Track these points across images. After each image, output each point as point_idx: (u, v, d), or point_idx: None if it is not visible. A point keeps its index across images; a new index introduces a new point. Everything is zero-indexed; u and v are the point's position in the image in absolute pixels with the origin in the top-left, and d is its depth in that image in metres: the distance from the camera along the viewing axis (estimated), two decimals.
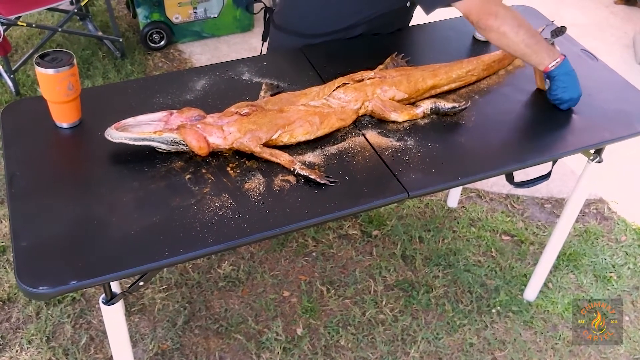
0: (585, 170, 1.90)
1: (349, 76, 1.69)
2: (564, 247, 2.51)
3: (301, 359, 2.11)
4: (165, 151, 1.48)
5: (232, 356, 2.10)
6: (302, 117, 1.54)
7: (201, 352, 2.10)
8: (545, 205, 2.79)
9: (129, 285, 1.36)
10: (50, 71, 1.44)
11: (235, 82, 1.78)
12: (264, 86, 1.74)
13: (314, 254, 2.48)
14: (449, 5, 1.65)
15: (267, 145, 1.51)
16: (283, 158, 1.49)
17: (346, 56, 1.87)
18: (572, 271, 2.49)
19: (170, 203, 1.37)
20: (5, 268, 2.31)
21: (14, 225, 1.30)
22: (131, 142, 1.43)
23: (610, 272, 2.50)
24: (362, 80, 1.67)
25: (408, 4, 1.94)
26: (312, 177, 1.45)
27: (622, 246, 2.62)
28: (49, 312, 2.18)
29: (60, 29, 3.24)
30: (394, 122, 1.66)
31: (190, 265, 2.38)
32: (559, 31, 1.78)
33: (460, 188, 2.70)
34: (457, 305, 2.32)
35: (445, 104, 1.69)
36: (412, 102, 1.72)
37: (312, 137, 1.56)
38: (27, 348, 2.07)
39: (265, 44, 2.13)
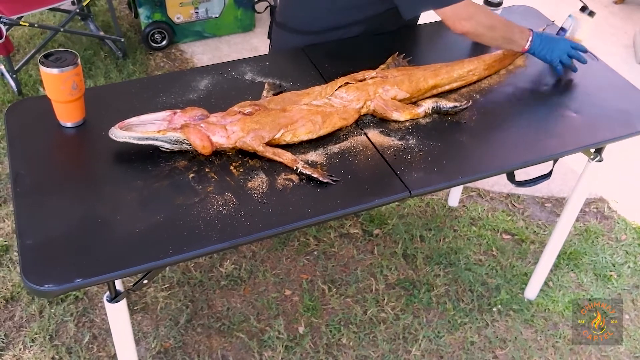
0: (585, 169, 1.91)
1: (351, 76, 1.70)
2: (565, 246, 2.52)
3: (303, 357, 2.12)
4: (168, 150, 1.49)
5: (234, 354, 2.11)
6: (305, 117, 1.55)
7: (203, 350, 2.11)
8: (546, 205, 2.80)
9: (132, 284, 1.37)
10: (55, 71, 1.45)
11: (238, 81, 1.78)
12: (266, 86, 1.75)
13: (315, 252, 2.49)
14: (426, 10, 1.77)
15: (270, 144, 1.52)
16: (286, 157, 1.49)
17: (348, 56, 1.88)
18: (572, 270, 2.50)
19: (174, 202, 1.38)
20: (8, 267, 2.32)
21: (19, 223, 1.31)
22: (135, 142, 1.44)
23: (611, 271, 2.51)
24: (364, 79, 1.68)
25: None
26: (315, 176, 1.46)
27: (622, 245, 2.63)
28: (52, 310, 2.19)
29: (62, 29, 3.25)
30: (395, 121, 1.67)
31: (193, 264, 2.39)
32: (589, 11, 1.88)
33: (461, 187, 2.71)
34: (458, 304, 2.33)
35: (446, 104, 1.70)
36: (414, 102, 1.73)
37: (314, 136, 1.57)
38: (31, 346, 2.08)
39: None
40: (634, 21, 4.21)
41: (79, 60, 1.49)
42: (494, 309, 2.32)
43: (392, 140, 1.61)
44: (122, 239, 1.29)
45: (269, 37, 2.15)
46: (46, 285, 1.18)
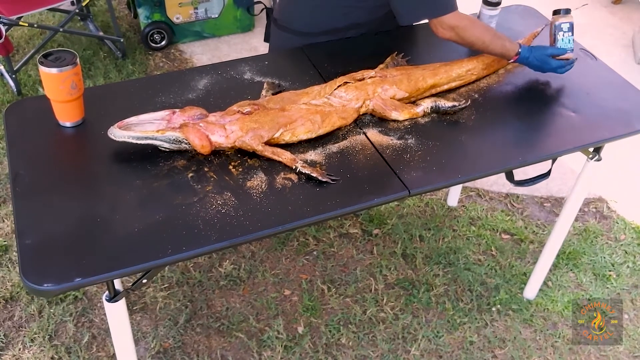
0: (584, 169, 1.91)
1: (350, 75, 1.70)
2: (564, 246, 2.52)
3: (302, 357, 2.12)
4: (167, 150, 1.49)
5: (234, 354, 2.11)
6: (304, 116, 1.56)
7: (203, 350, 2.11)
8: (545, 204, 2.80)
9: (131, 283, 1.37)
10: (54, 70, 1.45)
11: (237, 81, 1.79)
12: (265, 85, 1.75)
13: (314, 252, 2.49)
14: (422, 19, 1.80)
15: (269, 143, 1.52)
16: (285, 156, 1.50)
17: (347, 55, 1.88)
18: (571, 270, 2.50)
19: (173, 201, 1.38)
20: (7, 267, 2.32)
21: (18, 223, 1.31)
22: (134, 141, 1.44)
23: (610, 271, 2.51)
24: (363, 79, 1.69)
25: None
26: (314, 175, 1.46)
27: (622, 245, 2.63)
28: (52, 310, 2.19)
29: (61, 29, 3.25)
30: (394, 120, 1.67)
31: (192, 264, 2.39)
32: (564, 10, 1.85)
33: (460, 187, 2.71)
34: (457, 304, 2.33)
35: (445, 103, 1.70)
36: (413, 101, 1.73)
37: (313, 135, 1.57)
38: (30, 346, 2.08)
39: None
40: (633, 21, 4.22)
41: (78, 59, 1.49)
42: (493, 309, 2.32)
43: (391, 140, 1.61)
44: (121, 238, 1.29)
45: (266, 40, 2.15)
46: (45, 285, 1.18)
